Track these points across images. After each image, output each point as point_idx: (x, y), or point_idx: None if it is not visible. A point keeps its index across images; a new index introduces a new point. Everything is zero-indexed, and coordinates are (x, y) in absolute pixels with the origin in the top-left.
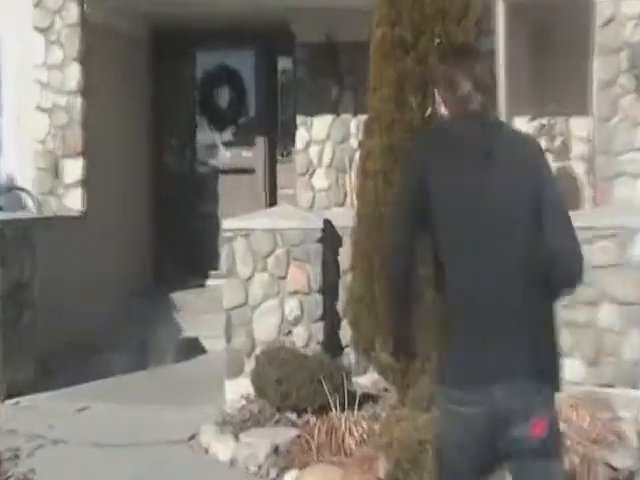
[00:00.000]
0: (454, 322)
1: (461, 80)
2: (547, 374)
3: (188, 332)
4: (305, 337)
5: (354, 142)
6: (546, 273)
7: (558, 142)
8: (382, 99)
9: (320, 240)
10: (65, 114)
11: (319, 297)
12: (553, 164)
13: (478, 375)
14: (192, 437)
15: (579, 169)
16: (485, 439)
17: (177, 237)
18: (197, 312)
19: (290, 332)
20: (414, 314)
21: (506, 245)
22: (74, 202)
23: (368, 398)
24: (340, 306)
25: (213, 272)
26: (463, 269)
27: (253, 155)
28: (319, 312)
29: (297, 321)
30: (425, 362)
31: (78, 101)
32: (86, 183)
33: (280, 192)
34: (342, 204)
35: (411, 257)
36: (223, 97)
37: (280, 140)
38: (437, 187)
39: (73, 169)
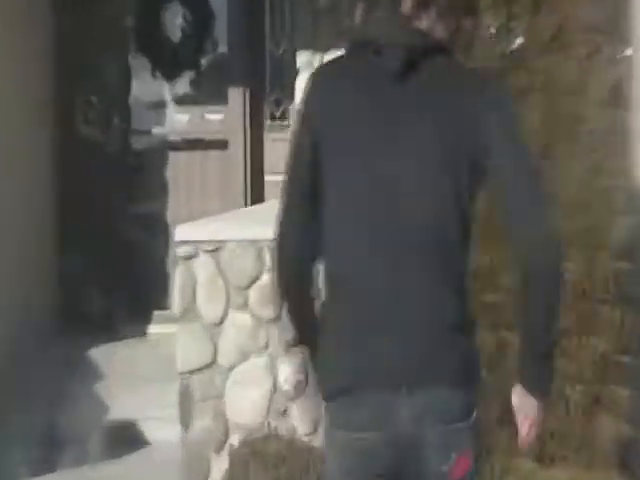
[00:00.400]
0: (331, 315)
1: None
2: (464, 375)
3: (119, 411)
4: (312, 418)
5: None
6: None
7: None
8: None
9: None
10: None
11: None
12: None
13: (368, 381)
14: None
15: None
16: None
17: (100, 254)
18: (134, 378)
19: (286, 411)
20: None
21: (409, 221)
22: None
23: None
24: None
25: (159, 312)
26: (344, 249)
27: (225, 119)
28: None
29: (298, 392)
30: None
31: None
32: None
33: (269, 179)
34: None
35: (307, 240)
36: (174, 23)
37: (269, 92)
38: (324, 135)
39: None
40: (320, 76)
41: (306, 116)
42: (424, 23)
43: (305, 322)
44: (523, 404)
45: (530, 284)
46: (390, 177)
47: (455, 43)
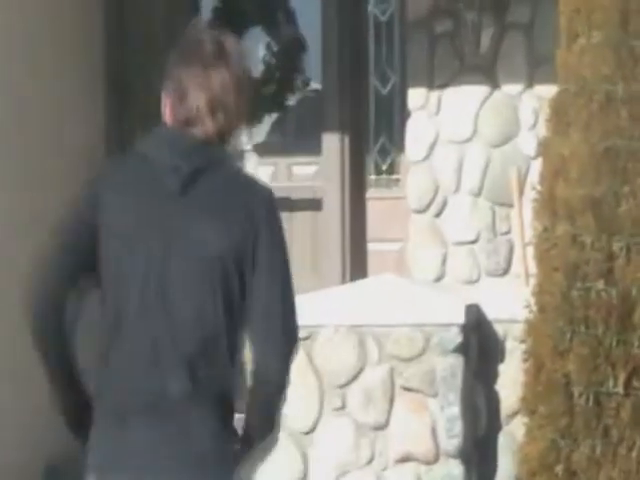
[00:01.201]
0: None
1: (192, 90)
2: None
3: None
4: None
5: (529, 142)
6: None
7: None
8: (590, 52)
9: (459, 349)
10: None
11: (457, 469)
12: None
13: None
14: None
15: None
16: None
17: None
18: None
19: None
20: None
21: (171, 319)
22: None
23: None
24: None
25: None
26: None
27: (318, 172)
28: None
29: None
30: None
31: None
32: None
33: (373, 247)
34: (504, 273)
35: (63, 307)
36: (255, 53)
37: (373, 140)
38: (105, 228)
39: None
40: (107, 175)
41: (88, 198)
42: (204, 128)
43: (65, 383)
44: None
45: (254, 395)
46: (160, 274)
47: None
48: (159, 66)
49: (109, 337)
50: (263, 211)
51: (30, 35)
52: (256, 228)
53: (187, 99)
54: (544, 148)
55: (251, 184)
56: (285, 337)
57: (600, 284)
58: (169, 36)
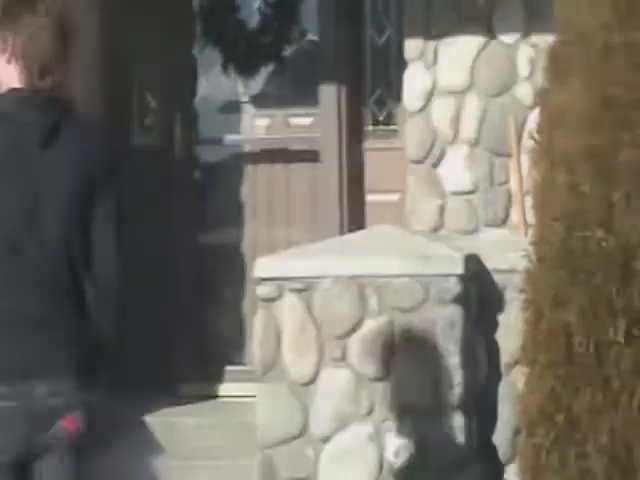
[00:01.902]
0: None
1: (14, 42)
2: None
3: None
4: None
5: (526, 92)
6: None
7: None
8: (587, 0)
9: (459, 299)
10: None
11: (457, 420)
12: None
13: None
14: None
15: None
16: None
17: (153, 291)
18: (201, 454)
19: None
20: None
21: (31, 253)
22: None
23: None
24: (502, 438)
25: (233, 369)
26: None
27: (315, 124)
28: (458, 450)
29: (412, 470)
30: None
31: None
32: None
33: (371, 199)
34: (502, 223)
35: None
36: (250, 4)
37: (370, 91)
38: None
39: None
40: None
41: None
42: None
43: None
44: None
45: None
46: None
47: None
48: None
49: None
50: (105, 158)
51: None
52: (98, 174)
53: (17, 58)
54: (542, 98)
55: (96, 132)
56: (113, 262)
57: (599, 233)
58: None
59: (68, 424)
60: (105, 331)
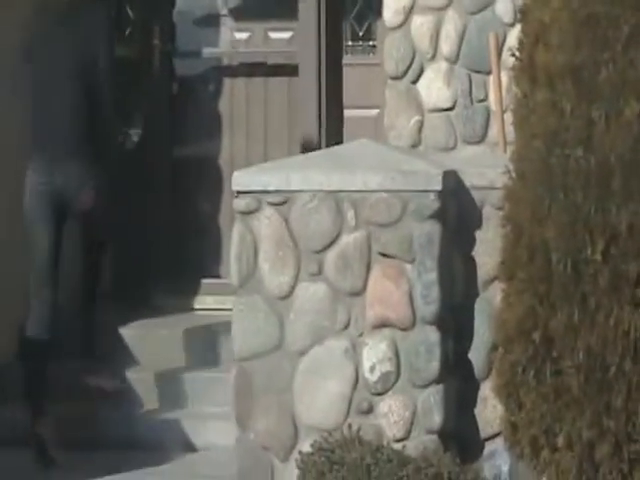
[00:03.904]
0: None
1: None
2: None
3: (158, 409)
4: (404, 418)
5: (506, 9)
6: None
7: None
8: None
9: (436, 215)
10: None
11: (433, 335)
12: None
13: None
14: None
15: None
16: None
17: (135, 207)
18: (176, 366)
19: (372, 408)
20: None
21: (65, 87)
22: None
23: None
24: (478, 354)
25: (209, 281)
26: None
27: (294, 37)
28: (434, 366)
29: (386, 385)
30: None
31: None
32: None
33: (349, 114)
34: (481, 140)
35: None
36: None
37: (351, 6)
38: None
39: None
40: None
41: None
42: None
43: None
44: None
45: None
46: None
47: None
48: None
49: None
50: (100, 23)
51: None
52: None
53: None
54: (523, 14)
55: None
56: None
57: (579, 151)
58: None
59: (85, 194)
60: (103, 112)
